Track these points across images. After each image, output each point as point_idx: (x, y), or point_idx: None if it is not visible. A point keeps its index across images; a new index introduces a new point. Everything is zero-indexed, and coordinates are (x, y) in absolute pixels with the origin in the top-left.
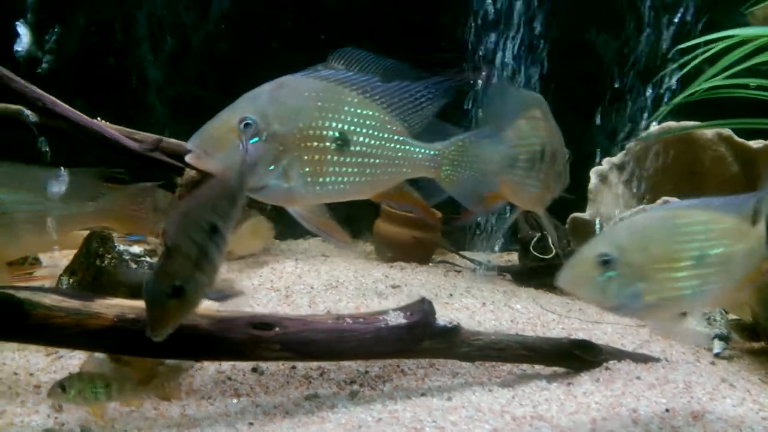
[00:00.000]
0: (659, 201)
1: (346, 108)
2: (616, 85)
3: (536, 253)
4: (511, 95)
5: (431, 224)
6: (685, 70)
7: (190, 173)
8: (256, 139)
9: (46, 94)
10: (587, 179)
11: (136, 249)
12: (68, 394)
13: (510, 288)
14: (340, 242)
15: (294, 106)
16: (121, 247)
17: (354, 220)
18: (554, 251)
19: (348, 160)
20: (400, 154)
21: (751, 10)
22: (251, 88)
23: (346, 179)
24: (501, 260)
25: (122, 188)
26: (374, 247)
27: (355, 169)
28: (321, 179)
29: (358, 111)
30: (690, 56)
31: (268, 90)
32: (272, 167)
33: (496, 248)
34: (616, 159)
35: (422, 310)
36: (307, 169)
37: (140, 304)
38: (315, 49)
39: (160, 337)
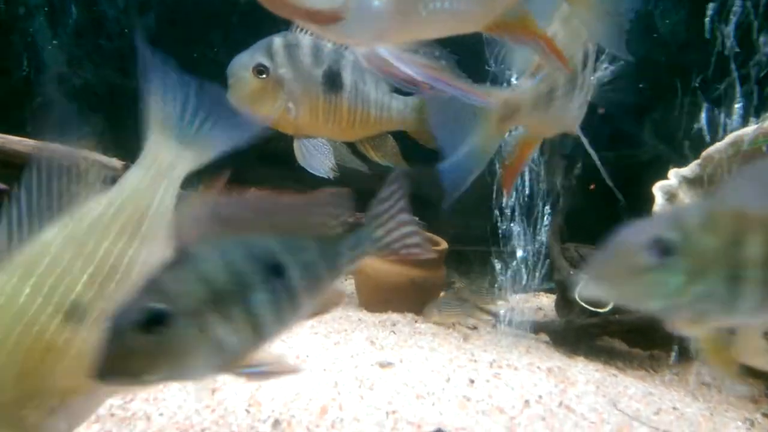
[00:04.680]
0: None
1: None
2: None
3: (584, 304)
4: None
5: (434, 259)
6: None
7: None
8: None
9: None
10: (647, 196)
11: None
12: None
13: (556, 363)
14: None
15: None
16: None
17: None
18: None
19: None
20: None
21: None
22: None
23: None
24: (532, 305)
25: None
26: (355, 289)
27: None
28: None
29: None
30: None
31: None
32: None
33: (533, 286)
34: (688, 171)
35: None
36: None
37: None
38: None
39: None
